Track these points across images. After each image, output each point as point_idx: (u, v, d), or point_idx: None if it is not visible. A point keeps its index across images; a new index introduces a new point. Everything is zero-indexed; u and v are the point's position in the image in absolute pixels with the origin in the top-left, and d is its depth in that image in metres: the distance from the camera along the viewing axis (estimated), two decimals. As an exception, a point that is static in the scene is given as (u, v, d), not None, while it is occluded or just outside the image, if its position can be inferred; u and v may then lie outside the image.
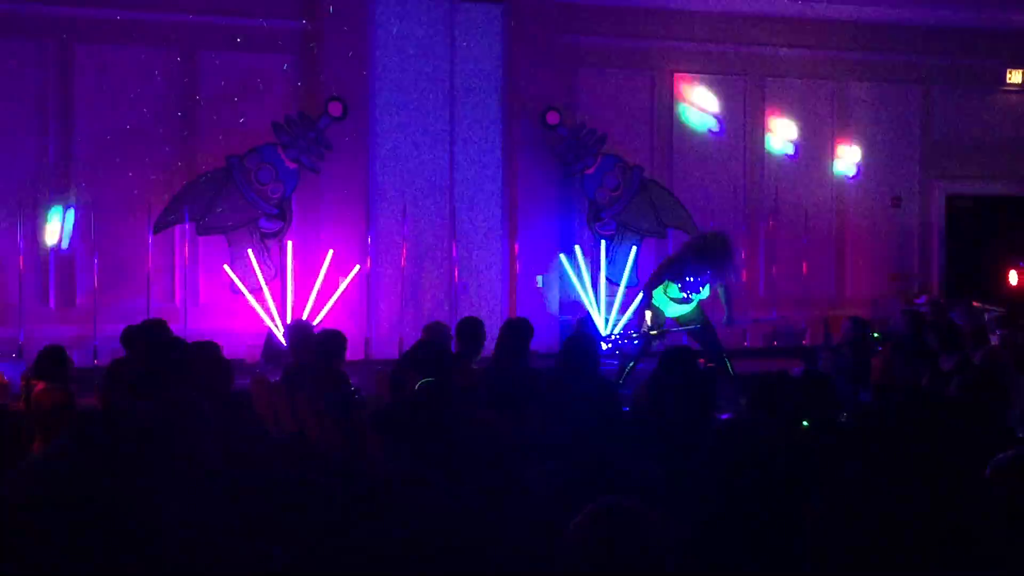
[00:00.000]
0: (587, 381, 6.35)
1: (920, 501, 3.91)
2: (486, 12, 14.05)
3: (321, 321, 12.19)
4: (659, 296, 10.77)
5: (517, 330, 7.68)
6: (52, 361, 8.04)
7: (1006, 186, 16.24)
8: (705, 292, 10.73)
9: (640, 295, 11.39)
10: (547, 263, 13.95)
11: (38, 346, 9.52)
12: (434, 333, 8.83)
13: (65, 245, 12.72)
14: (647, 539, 2.91)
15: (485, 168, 14.08)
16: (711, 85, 15.14)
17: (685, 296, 10.61)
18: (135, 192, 12.88)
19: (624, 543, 2.89)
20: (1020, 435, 5.39)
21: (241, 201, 12.95)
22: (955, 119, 16.08)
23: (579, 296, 14.00)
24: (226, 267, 12.95)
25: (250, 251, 13.01)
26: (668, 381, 6.18)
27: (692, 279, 10.54)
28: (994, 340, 10.03)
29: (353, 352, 10.56)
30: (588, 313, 13.80)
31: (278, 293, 12.95)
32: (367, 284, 13.46)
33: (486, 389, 7.11)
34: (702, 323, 10.84)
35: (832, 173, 15.64)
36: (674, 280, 10.62)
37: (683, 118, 15.02)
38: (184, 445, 4.34)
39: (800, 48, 15.27)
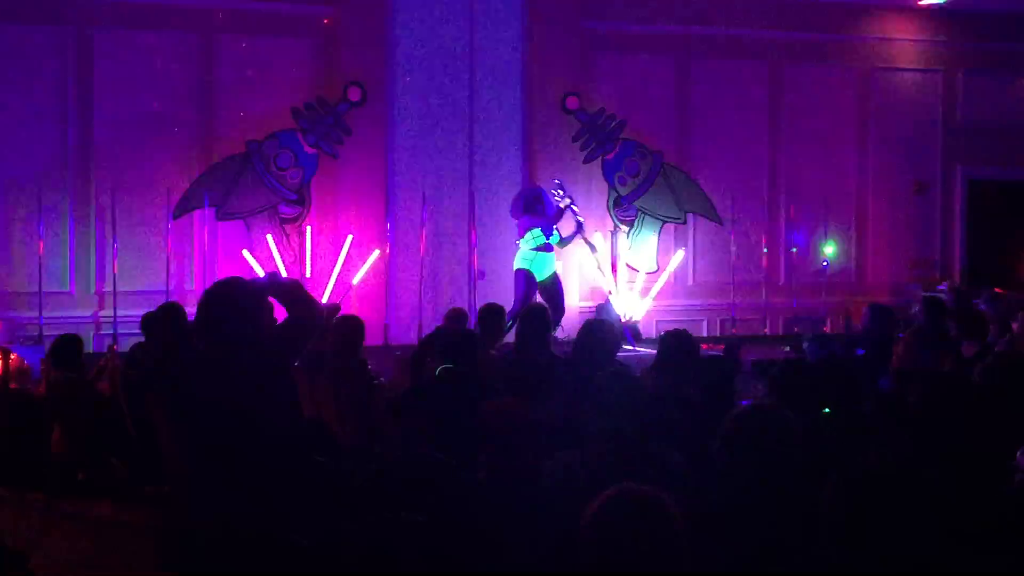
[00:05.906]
0: (605, 367, 6.31)
1: (944, 486, 3.87)
2: (506, -3, 14.01)
3: (340, 306, 12.19)
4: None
5: (537, 317, 7.63)
6: (66, 350, 8.05)
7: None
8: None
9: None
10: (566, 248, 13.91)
11: (58, 330, 9.58)
12: (455, 319, 8.82)
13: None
14: (663, 524, 2.89)
15: (504, 153, 14.04)
16: (731, 70, 15.03)
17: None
18: (154, 177, 12.90)
19: (640, 528, 2.88)
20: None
21: (260, 186, 12.98)
22: (978, 104, 15.92)
23: (599, 281, 13.95)
24: (245, 252, 12.97)
25: (269, 236, 13.04)
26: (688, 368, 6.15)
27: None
28: (1015, 326, 9.90)
29: (372, 337, 10.57)
30: (608, 299, 13.76)
31: (297, 278, 12.92)
32: (386, 269, 13.46)
33: (506, 375, 7.07)
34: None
35: (854, 158, 15.55)
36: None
37: (703, 103, 14.92)
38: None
39: (820, 33, 15.16)
